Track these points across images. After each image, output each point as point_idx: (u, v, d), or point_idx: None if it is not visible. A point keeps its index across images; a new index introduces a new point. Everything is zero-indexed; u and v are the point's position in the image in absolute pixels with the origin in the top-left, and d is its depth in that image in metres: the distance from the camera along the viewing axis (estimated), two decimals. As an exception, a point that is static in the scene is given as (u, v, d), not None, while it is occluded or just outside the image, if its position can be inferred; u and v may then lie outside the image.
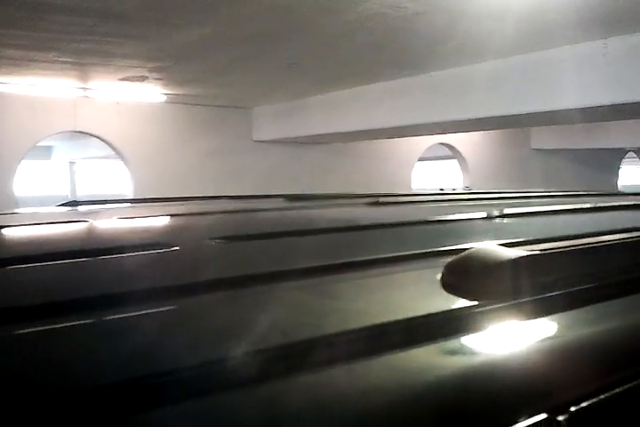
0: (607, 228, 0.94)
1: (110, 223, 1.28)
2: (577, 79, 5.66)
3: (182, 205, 1.73)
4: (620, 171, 15.50)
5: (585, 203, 1.59)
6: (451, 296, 0.58)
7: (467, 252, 0.61)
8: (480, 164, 12.20)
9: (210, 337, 0.49)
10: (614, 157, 14.76)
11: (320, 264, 0.70)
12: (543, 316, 0.56)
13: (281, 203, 1.71)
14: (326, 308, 0.59)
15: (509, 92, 6.31)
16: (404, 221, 1.22)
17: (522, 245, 0.67)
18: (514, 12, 4.62)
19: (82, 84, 7.75)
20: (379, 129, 7.97)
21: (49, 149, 19.17)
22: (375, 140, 10.53)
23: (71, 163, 20.49)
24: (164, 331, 0.50)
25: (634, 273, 0.68)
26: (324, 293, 0.64)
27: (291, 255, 0.83)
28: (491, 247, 0.61)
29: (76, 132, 8.90)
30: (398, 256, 0.77)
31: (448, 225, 1.20)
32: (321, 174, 10.56)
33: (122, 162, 9.33)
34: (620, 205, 1.57)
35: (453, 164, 12.93)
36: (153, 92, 8.23)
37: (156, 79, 7.36)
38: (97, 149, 12.48)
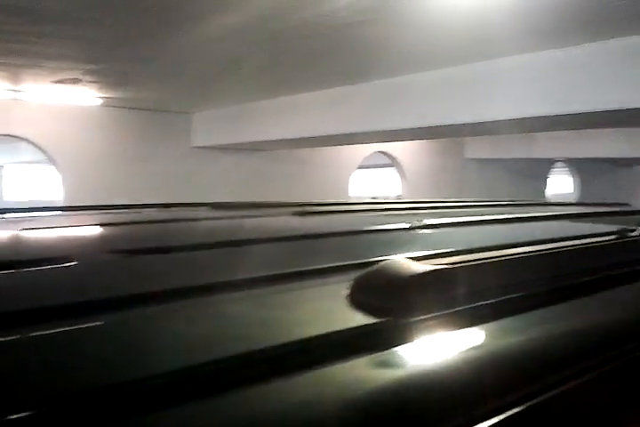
0: (524, 239, 0.95)
1: (7, 235, 1.22)
2: (511, 91, 5.86)
3: (97, 214, 1.66)
4: (549, 180, 16.15)
5: (506, 213, 1.62)
6: (357, 312, 0.56)
7: (375, 266, 0.60)
8: (417, 172, 12.46)
9: (93, 362, 0.46)
10: (543, 167, 15.38)
11: (224, 280, 0.68)
12: (448, 330, 0.55)
13: (203, 212, 1.66)
14: (225, 328, 0.55)
15: (446, 102, 6.47)
16: (322, 232, 1.21)
17: (434, 257, 0.66)
18: (454, 24, 4.76)
19: (12, 86, 7.45)
20: (318, 137, 8.01)
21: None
22: (314, 148, 10.58)
23: (-1, 167, 19.64)
24: (43, 356, 0.47)
25: (546, 285, 0.69)
26: (224, 311, 0.61)
27: (193, 271, 0.80)
28: (399, 261, 0.61)
29: (5, 135, 8.53)
30: (309, 270, 0.75)
31: (367, 236, 1.20)
32: (260, 181, 10.52)
33: (54, 167, 9.00)
34: (540, 216, 1.60)
35: (393, 172, 13.15)
36: (88, 96, 8.00)
37: (90, 82, 7.16)
38: (28, 153, 12.01)
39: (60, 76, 6.82)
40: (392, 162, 12.45)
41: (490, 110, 6.10)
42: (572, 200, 15.93)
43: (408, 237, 1.21)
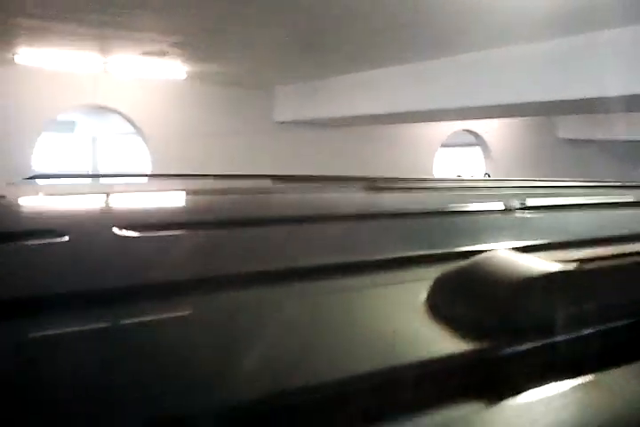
0: None
1: (27, 201, 1.24)
2: (616, 65, 5.38)
3: (147, 183, 1.68)
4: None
5: (620, 196, 1.36)
6: (437, 331, 0.39)
7: (467, 262, 0.43)
8: (504, 151, 11.92)
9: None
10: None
11: (278, 268, 0.56)
12: (570, 375, 0.36)
13: (264, 184, 1.58)
14: (272, 341, 0.42)
15: (543, 77, 6.05)
16: (397, 211, 1.02)
17: (546, 249, 0.49)
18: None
19: (102, 58, 7.64)
20: (404, 113, 7.77)
21: (72, 124, 19.20)
22: (397, 125, 10.31)
23: (94, 138, 20.54)
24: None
25: None
26: (268, 313, 0.48)
27: (243, 253, 0.69)
28: (501, 254, 0.42)
29: (95, 107, 8.81)
30: (382, 260, 0.59)
31: (452, 218, 1.00)
32: (340, 158, 10.38)
33: (141, 139, 9.24)
34: None
35: (477, 151, 12.66)
36: (174, 69, 8.09)
37: (177, 55, 7.23)
38: (120, 124, 12.43)
39: (146, 48, 6.91)
40: (477, 140, 11.97)
41: (593, 86, 5.63)
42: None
43: (506, 221, 0.99)
